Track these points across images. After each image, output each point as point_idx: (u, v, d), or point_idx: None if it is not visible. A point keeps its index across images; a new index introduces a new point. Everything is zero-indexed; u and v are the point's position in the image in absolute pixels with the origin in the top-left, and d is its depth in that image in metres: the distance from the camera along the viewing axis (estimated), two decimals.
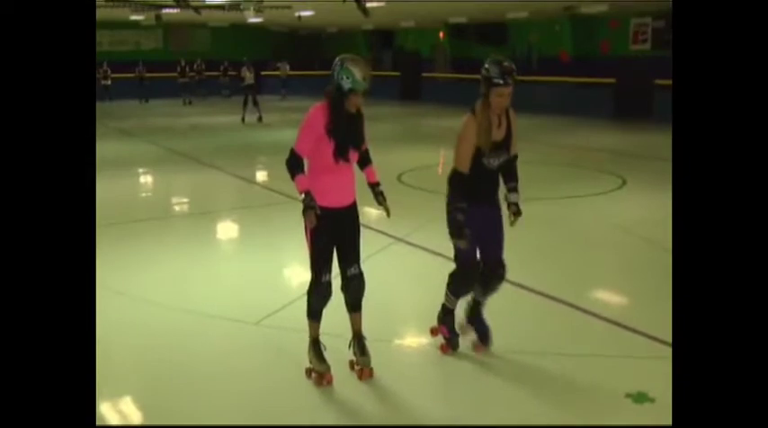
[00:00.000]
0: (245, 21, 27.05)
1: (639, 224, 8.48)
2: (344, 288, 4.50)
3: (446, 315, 4.94)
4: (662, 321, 5.29)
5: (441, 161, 15.26)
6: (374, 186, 4.62)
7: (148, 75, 30.42)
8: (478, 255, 4.71)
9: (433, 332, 5.02)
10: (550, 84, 24.08)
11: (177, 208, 10.81)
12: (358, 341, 4.59)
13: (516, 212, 4.68)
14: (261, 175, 13.76)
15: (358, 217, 4.51)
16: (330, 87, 4.20)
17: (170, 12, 23.85)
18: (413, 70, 31.12)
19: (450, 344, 4.90)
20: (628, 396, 4.21)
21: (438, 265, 7.06)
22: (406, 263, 7.16)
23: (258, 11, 22.86)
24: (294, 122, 4.28)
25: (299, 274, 6.74)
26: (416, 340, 5.35)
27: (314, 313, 4.49)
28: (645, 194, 10.57)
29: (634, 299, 6.20)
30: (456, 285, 4.84)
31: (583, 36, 24.15)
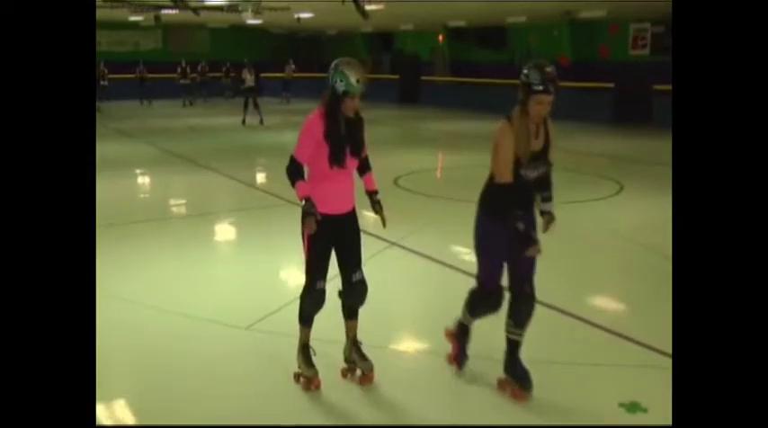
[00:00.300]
0: (244, 22, 27.04)
1: (637, 230, 8.48)
2: (346, 293, 4.46)
3: (461, 331, 4.70)
4: (657, 329, 5.32)
5: (439, 165, 15.29)
6: (372, 194, 4.56)
7: (150, 75, 30.31)
8: (505, 276, 4.41)
9: (448, 334, 4.79)
10: None
11: (175, 209, 10.80)
12: (356, 347, 4.57)
13: (551, 220, 4.39)
14: (260, 178, 13.74)
15: (357, 223, 4.47)
16: (326, 92, 4.18)
17: (169, 13, 23.85)
18: (412, 73, 31.11)
19: (458, 362, 4.69)
20: (621, 405, 4.20)
21: (433, 270, 7.10)
22: (400, 268, 7.14)
23: (257, 12, 22.84)
24: (294, 125, 4.27)
25: (294, 277, 6.74)
26: (412, 345, 5.35)
27: (306, 318, 4.47)
28: (643, 200, 10.58)
29: (630, 306, 6.20)
30: (474, 305, 4.58)
31: (582, 41, 24.16)
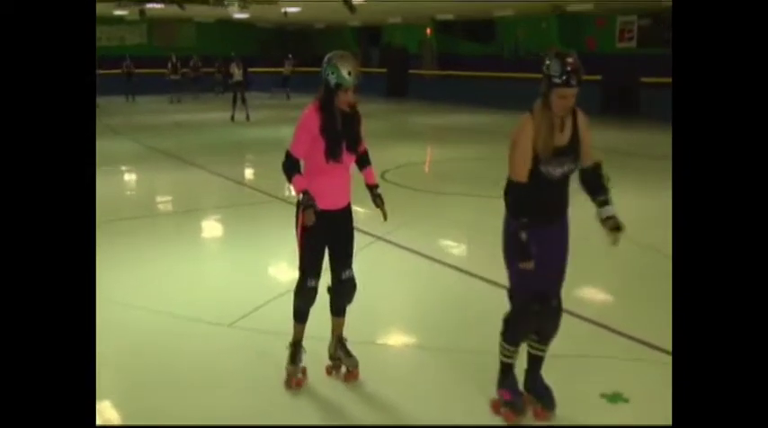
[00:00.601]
0: (231, 17, 26.94)
1: (626, 222, 8.46)
2: (335, 291, 4.44)
3: (505, 374, 4.12)
4: (643, 321, 5.36)
5: (427, 159, 15.29)
6: (372, 188, 4.52)
7: (137, 71, 29.97)
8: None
9: (494, 406, 4.14)
10: (539, 81, 24.08)
11: (161, 207, 10.76)
12: (341, 344, 4.56)
13: (615, 227, 3.91)
14: (248, 174, 13.69)
15: (352, 219, 4.43)
16: (321, 86, 4.16)
17: (154, 7, 23.73)
18: (400, 67, 31.10)
19: (515, 409, 4.04)
20: (603, 396, 4.22)
21: (421, 264, 7.10)
22: (387, 262, 7.13)
23: (243, 6, 22.77)
24: (282, 120, 4.23)
25: (281, 273, 6.75)
26: (399, 340, 5.35)
27: (299, 315, 4.44)
28: (632, 192, 10.57)
29: (617, 299, 6.23)
30: (512, 329, 4.02)
31: (570, 33, 24.18)
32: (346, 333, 4.59)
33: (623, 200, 10.16)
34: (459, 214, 9.57)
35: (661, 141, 14.43)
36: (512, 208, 3.81)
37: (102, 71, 28.88)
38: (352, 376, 4.50)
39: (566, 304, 5.74)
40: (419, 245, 7.53)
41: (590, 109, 17.37)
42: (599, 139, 15.10)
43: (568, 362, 4.75)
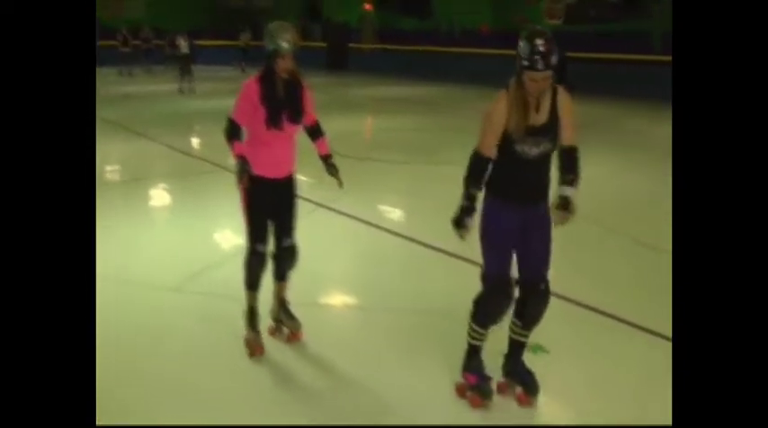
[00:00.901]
0: None
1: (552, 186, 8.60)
2: (276, 258, 4.42)
3: (471, 357, 3.92)
4: (568, 279, 5.46)
5: (367, 129, 15.28)
6: (326, 158, 4.45)
7: None
8: (516, 271, 3.77)
9: (459, 389, 3.95)
10: (473, 56, 24.19)
11: (108, 175, 10.51)
12: (284, 307, 4.56)
13: (561, 205, 3.51)
14: (195, 144, 13.44)
15: (295, 189, 4.37)
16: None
17: None
18: (341, 41, 30.85)
19: (481, 393, 3.85)
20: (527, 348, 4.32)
21: (360, 229, 7.12)
22: (328, 229, 7.10)
23: None
24: (232, 92, 4.15)
25: (227, 240, 6.70)
26: (340, 301, 5.40)
27: (250, 283, 4.38)
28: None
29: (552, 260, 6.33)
30: (482, 312, 3.79)
31: (502, 11, 24.29)
32: (290, 296, 4.58)
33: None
34: (397, 181, 9.62)
35: (587, 111, 14.62)
36: (466, 175, 3.61)
37: None
38: (294, 337, 4.51)
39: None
40: (359, 211, 7.55)
41: None
42: None
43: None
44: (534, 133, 3.49)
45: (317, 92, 4.14)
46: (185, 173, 10.08)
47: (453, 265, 6.02)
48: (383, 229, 7.06)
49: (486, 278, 3.73)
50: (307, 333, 4.54)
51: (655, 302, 4.94)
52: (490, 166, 3.60)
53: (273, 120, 4.07)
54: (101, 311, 4.94)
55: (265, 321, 4.57)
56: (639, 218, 7.46)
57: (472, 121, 16.29)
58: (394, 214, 8.06)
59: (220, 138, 4.17)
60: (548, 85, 3.43)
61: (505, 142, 3.51)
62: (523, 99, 3.46)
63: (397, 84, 23.96)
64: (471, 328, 3.86)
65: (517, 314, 3.82)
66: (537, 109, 3.50)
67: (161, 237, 6.99)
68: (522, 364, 3.94)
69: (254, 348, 4.34)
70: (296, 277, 4.60)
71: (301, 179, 4.51)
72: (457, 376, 4.02)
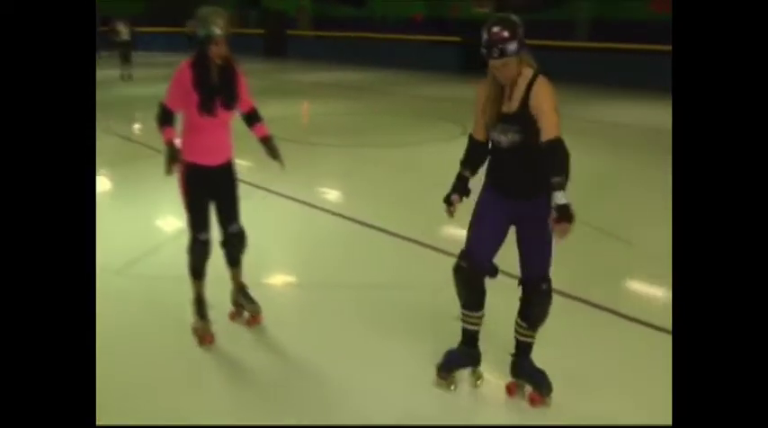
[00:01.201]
0: None
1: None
2: (225, 245, 4.31)
3: (461, 341, 3.80)
4: (501, 253, 5.56)
5: (304, 113, 15.19)
6: (265, 140, 4.30)
7: None
8: (519, 270, 3.57)
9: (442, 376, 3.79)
10: (406, 42, 24.22)
11: None
12: (242, 291, 4.47)
13: (559, 219, 3.03)
14: (135, 130, 13.10)
15: (234, 175, 4.22)
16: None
17: None
18: (279, 28, 30.50)
19: (438, 374, 3.79)
20: (456, 318, 4.39)
21: (299, 212, 7.11)
22: (268, 211, 7.05)
23: None
24: (168, 78, 4.06)
25: (167, 224, 6.59)
26: (284, 281, 5.39)
27: (194, 271, 4.23)
28: None
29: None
30: (456, 289, 3.66)
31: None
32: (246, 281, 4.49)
33: None
34: (333, 164, 9.62)
35: None
36: (462, 155, 3.62)
37: None
38: (255, 321, 4.44)
39: (431, 241, 5.94)
40: (298, 192, 7.53)
41: (452, 67, 17.60)
42: (456, 93, 15.33)
43: (425, 294, 4.90)
44: (504, 121, 3.32)
45: (256, 78, 4.08)
46: (126, 159, 9.85)
47: (390, 242, 6.09)
48: (319, 208, 7.06)
49: (460, 255, 3.61)
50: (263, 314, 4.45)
51: (603, 282, 5.06)
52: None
53: (206, 106, 3.91)
54: None
55: (223, 307, 4.48)
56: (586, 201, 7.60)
57: (401, 105, 16.49)
58: (331, 195, 8.05)
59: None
60: (512, 73, 3.25)
61: (486, 127, 3.44)
62: (491, 86, 3.36)
63: (333, 69, 23.83)
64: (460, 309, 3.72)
65: (521, 314, 3.61)
66: (510, 96, 3.32)
67: (101, 222, 6.82)
68: (531, 362, 3.69)
69: (203, 336, 4.22)
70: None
71: (240, 163, 4.43)
72: (410, 349, 4.08)
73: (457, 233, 6.55)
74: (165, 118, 4.00)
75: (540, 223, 3.27)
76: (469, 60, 21.96)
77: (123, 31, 20.10)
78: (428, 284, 5.04)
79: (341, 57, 26.19)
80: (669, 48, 16.14)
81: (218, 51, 3.88)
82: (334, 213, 6.94)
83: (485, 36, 3.20)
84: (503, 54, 3.18)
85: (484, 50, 3.21)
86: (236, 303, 4.51)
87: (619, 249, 5.97)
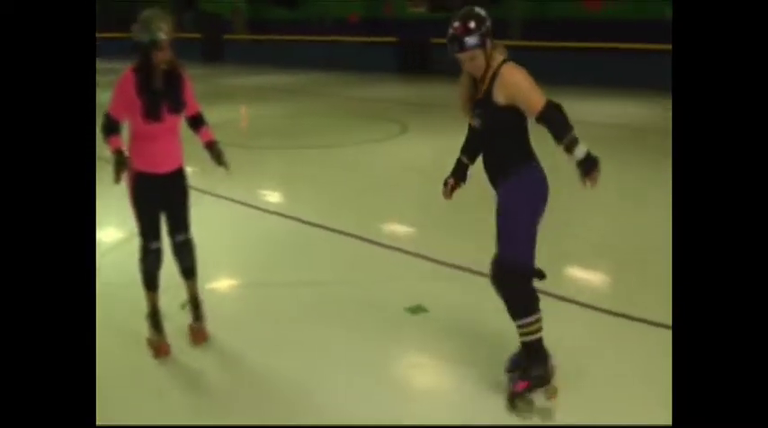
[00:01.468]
0: None
1: (421, 163, 8.85)
2: (173, 254, 4.14)
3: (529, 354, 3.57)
4: (441, 245, 5.71)
5: (243, 117, 15.10)
6: (210, 145, 4.17)
7: None
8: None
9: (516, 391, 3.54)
10: (341, 44, 24.19)
11: None
12: (194, 306, 4.29)
13: (588, 171, 3.15)
14: None
15: (185, 182, 4.08)
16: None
17: None
18: (215, 32, 30.10)
19: (525, 402, 3.51)
20: (407, 309, 4.46)
21: (244, 215, 7.10)
22: (215, 215, 6.96)
23: None
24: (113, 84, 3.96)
25: (115, 230, 6.48)
26: (230, 283, 5.40)
27: (148, 282, 4.08)
28: (423, 137, 11.03)
29: (420, 230, 6.53)
30: (521, 301, 3.50)
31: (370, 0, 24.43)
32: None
33: (418, 143, 10.57)
34: (272, 166, 9.66)
35: (447, 94, 15.03)
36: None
37: None
38: (199, 338, 4.23)
39: (374, 237, 6.00)
40: (241, 195, 7.51)
41: (389, 67, 17.60)
42: (395, 94, 15.39)
43: (379, 285, 5.01)
44: (475, 106, 3.42)
45: (196, 83, 4.03)
46: None
47: (332, 239, 6.14)
48: (262, 210, 7.10)
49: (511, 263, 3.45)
50: (208, 320, 4.32)
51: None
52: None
53: (152, 112, 3.76)
54: None
55: (177, 319, 4.35)
56: None
57: (334, 107, 16.42)
58: (273, 196, 8.06)
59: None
60: (480, 65, 3.30)
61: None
62: (464, 74, 3.42)
63: (270, 72, 23.66)
64: (520, 325, 3.48)
65: None
66: (482, 82, 3.37)
67: None
68: (526, 358, 3.56)
69: (159, 348, 4.08)
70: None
71: (188, 169, 4.33)
72: (360, 343, 4.13)
73: (396, 229, 6.67)
74: (111, 127, 3.84)
75: (499, 207, 3.39)
76: (406, 60, 22.10)
77: None
78: (371, 278, 5.10)
79: (277, 60, 26.00)
80: (604, 45, 16.67)
81: (163, 57, 3.74)
82: (277, 213, 6.98)
83: (448, 31, 3.27)
84: (462, 48, 3.24)
85: (448, 45, 3.28)
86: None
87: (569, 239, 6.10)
